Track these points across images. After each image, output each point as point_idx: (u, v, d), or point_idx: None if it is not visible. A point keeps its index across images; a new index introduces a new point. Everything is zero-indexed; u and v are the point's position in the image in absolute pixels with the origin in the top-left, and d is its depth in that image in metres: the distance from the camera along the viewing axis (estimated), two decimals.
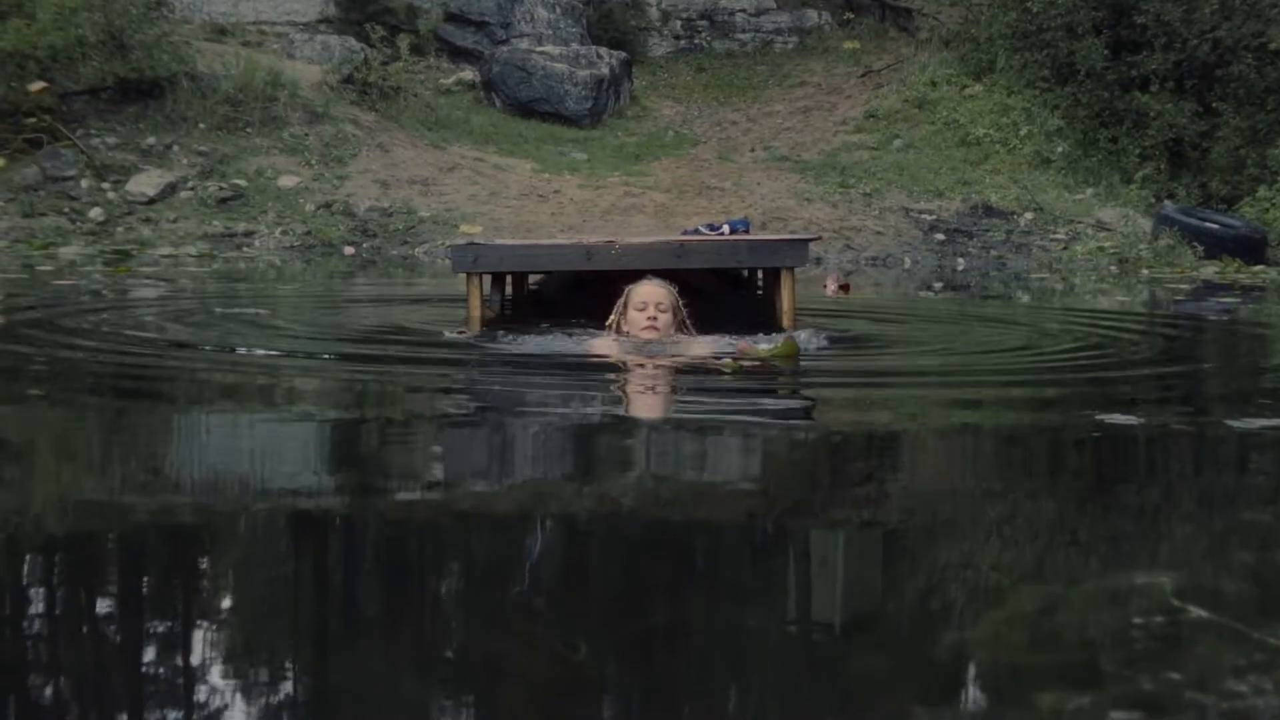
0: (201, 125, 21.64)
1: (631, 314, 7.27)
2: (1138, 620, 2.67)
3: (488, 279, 8.90)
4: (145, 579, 3.17)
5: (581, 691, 2.44)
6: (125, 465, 4.31)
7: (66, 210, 19.47)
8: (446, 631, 2.81)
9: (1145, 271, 18.51)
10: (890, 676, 2.51)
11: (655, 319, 7.19)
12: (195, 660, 2.55)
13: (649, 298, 7.26)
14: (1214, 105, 23.56)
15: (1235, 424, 5.04)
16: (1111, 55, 23.97)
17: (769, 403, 5.88)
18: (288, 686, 2.45)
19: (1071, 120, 24.12)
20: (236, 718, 2.28)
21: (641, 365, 6.76)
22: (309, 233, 19.77)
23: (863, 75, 27.76)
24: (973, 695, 2.41)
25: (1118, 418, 5.18)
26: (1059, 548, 3.45)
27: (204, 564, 3.27)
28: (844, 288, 13.94)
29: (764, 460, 4.56)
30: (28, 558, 3.23)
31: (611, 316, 7.43)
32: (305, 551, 3.44)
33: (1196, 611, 2.67)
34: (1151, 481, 4.28)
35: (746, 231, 13.57)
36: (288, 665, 2.57)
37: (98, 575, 3.15)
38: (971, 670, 2.52)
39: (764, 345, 6.88)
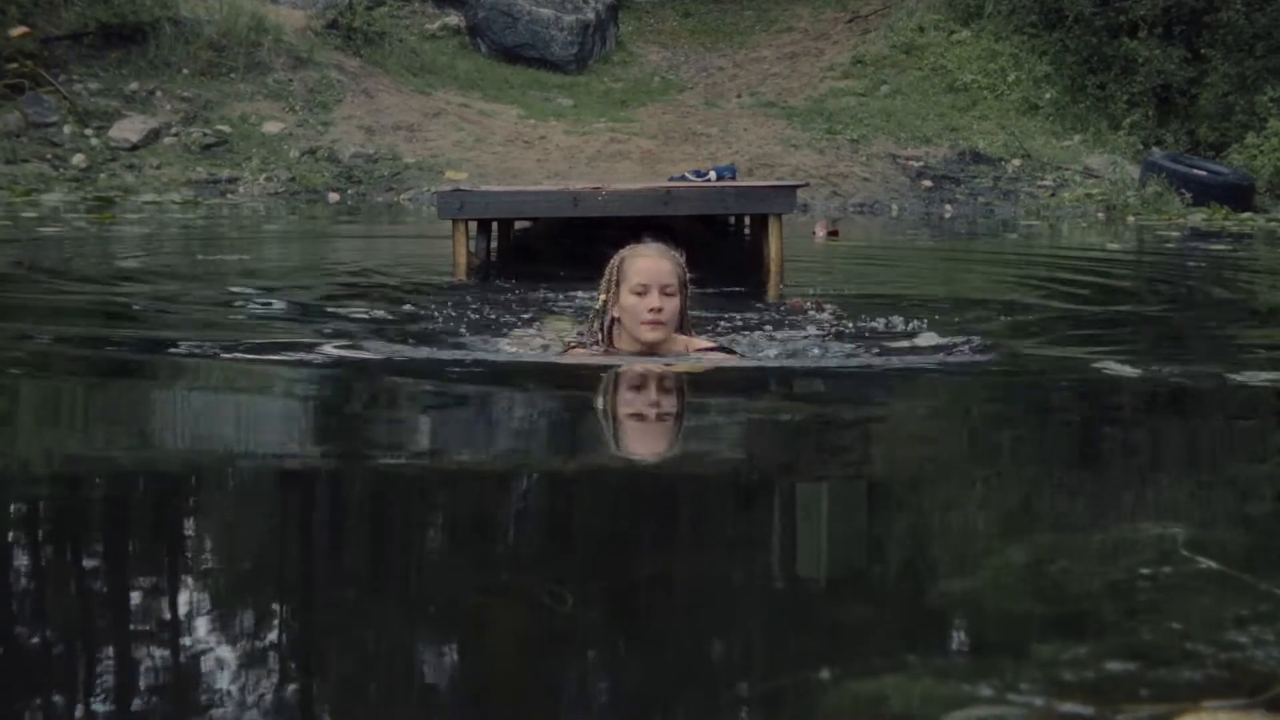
0: (185, 71, 21.47)
1: (628, 299, 5.03)
2: (1145, 571, 2.64)
3: (474, 226, 8.85)
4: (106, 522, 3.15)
5: (567, 643, 2.42)
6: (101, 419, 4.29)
7: (49, 157, 19.33)
8: (434, 586, 2.79)
9: (1131, 219, 18.47)
10: (887, 626, 2.48)
11: (660, 310, 4.99)
12: (183, 608, 2.52)
13: (651, 277, 5.01)
14: (1203, 51, 23.47)
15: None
16: (1100, 0, 23.85)
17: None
18: (272, 639, 2.42)
19: (1059, 66, 24.03)
20: (221, 667, 2.25)
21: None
22: (293, 179, 19.67)
23: (850, 20, 27.60)
24: (970, 644, 2.39)
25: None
26: (1065, 498, 3.43)
27: (181, 513, 3.24)
28: (833, 233, 13.91)
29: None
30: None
31: (600, 295, 5.21)
32: (284, 510, 3.42)
33: (1205, 563, 2.65)
34: (1160, 434, 4.26)
35: (733, 178, 13.53)
36: (272, 620, 2.54)
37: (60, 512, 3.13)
38: (971, 619, 2.50)
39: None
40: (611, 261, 5.17)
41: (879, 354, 5.42)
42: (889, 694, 2.09)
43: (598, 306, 5.23)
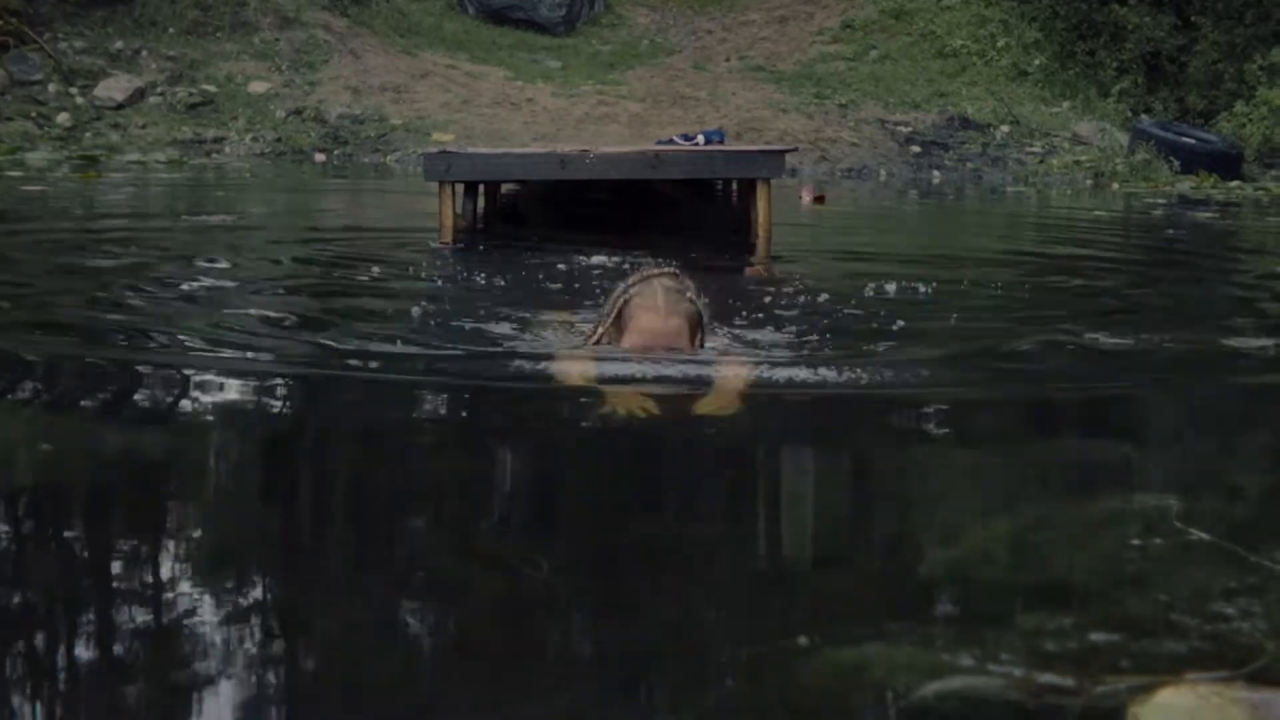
0: (170, 30, 21.34)
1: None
2: (1135, 542, 2.63)
3: (460, 188, 8.80)
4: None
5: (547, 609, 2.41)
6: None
7: (34, 115, 19.21)
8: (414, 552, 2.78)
9: (1116, 186, 18.45)
10: (871, 595, 2.47)
11: None
12: (166, 570, 2.51)
13: (656, 339, 4.24)
14: (1192, 19, 23.41)
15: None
16: None
17: None
18: (257, 606, 2.41)
19: (1049, 32, 23.96)
20: (208, 631, 2.23)
21: None
22: (279, 139, 19.57)
23: None
24: (954, 614, 2.38)
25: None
26: (1055, 468, 3.42)
27: (170, 468, 3.23)
28: (819, 199, 13.88)
29: None
30: None
31: (598, 327, 4.47)
32: (267, 486, 3.41)
33: (1196, 534, 2.64)
34: (1160, 405, 4.24)
35: (721, 142, 13.48)
36: (257, 586, 2.53)
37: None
38: (956, 589, 2.49)
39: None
40: (616, 293, 4.42)
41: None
42: (870, 662, 2.08)
43: (592, 336, 4.49)
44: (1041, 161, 20.62)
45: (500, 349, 4.73)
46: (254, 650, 2.17)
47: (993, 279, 7.44)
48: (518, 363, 4.47)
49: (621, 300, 4.36)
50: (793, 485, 3.28)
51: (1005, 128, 21.61)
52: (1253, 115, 21.35)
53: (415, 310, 5.51)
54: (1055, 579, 2.52)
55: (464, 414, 3.97)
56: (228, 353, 4.51)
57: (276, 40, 21.73)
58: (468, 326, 5.24)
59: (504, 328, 5.19)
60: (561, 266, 7.10)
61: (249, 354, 4.52)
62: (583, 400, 4.03)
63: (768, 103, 21.88)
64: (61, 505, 2.99)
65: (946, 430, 3.85)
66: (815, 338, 5.13)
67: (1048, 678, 1.99)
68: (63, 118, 19.21)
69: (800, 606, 2.40)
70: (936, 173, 20.13)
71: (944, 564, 2.62)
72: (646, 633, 2.31)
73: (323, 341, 4.79)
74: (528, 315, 5.40)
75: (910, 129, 21.48)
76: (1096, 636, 2.15)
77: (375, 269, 7.25)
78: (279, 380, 4.22)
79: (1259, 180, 19.28)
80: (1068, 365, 4.75)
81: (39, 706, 1.99)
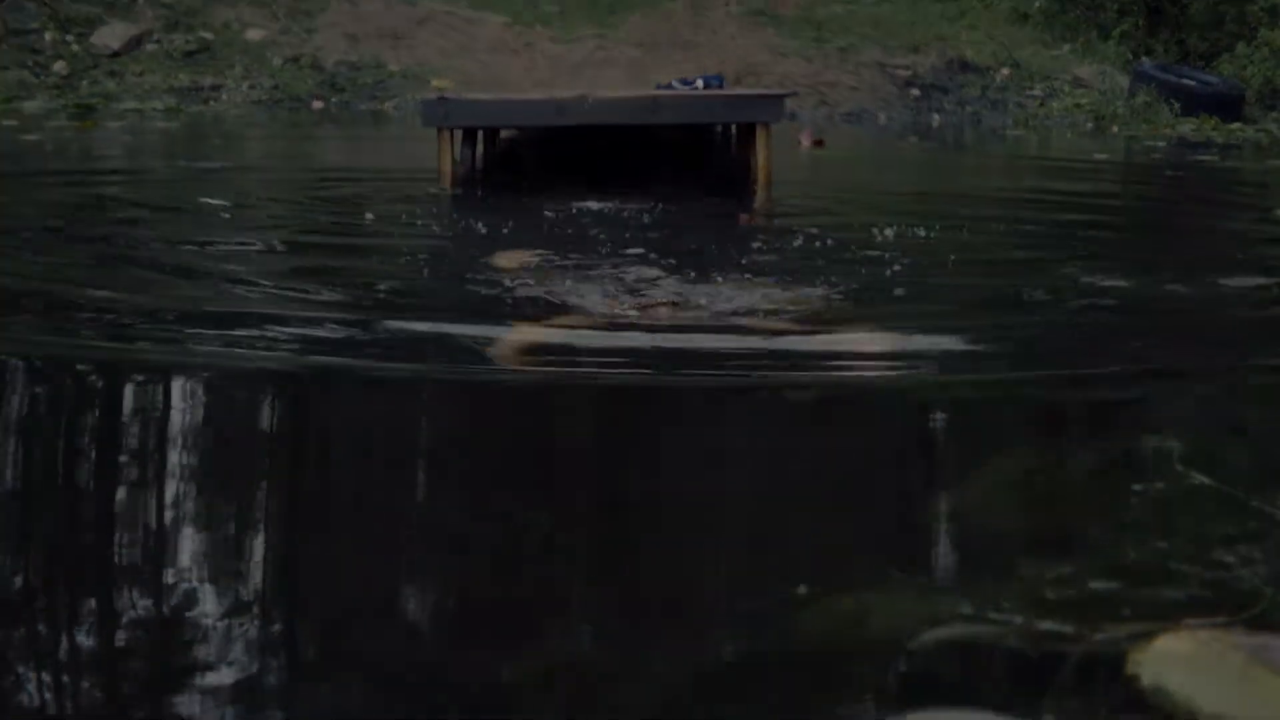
0: None
1: None
2: (1136, 487, 2.63)
3: (459, 134, 8.77)
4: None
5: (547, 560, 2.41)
6: None
7: (30, 64, 19.13)
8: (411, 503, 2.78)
9: (1115, 129, 18.39)
10: (874, 544, 2.47)
11: None
12: (153, 503, 2.50)
13: None
14: None
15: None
16: None
17: None
18: (251, 555, 2.40)
19: None
20: (203, 588, 2.23)
21: None
22: (276, 87, 19.50)
23: None
24: (954, 562, 2.38)
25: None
26: (1056, 412, 3.41)
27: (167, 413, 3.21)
28: (818, 143, 13.84)
29: None
30: None
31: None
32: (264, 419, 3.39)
33: (1199, 478, 2.63)
34: (1160, 347, 4.22)
35: (720, 87, 13.45)
36: (251, 535, 2.52)
37: None
38: (957, 537, 2.48)
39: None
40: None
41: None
42: (869, 611, 2.08)
43: None
44: (1042, 105, 20.55)
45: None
46: (249, 608, 2.17)
47: (992, 221, 7.42)
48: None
49: None
50: (789, 438, 3.27)
51: (1005, 71, 21.52)
52: (1254, 57, 21.26)
53: (405, 263, 5.49)
54: (1055, 526, 2.51)
55: (450, 398, 3.95)
56: (212, 309, 4.45)
57: None
58: (460, 291, 5.11)
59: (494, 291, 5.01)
60: (559, 213, 7.06)
61: (231, 311, 4.46)
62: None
63: (767, 47, 21.78)
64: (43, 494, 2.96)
65: (944, 379, 3.83)
66: (816, 290, 5.10)
67: (1047, 625, 1.99)
68: (59, 66, 19.14)
69: (799, 556, 2.40)
70: (936, 116, 20.07)
71: (943, 512, 2.61)
72: (643, 585, 2.31)
73: (313, 311, 4.72)
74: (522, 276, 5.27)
75: (910, 72, 21.39)
76: (1096, 584, 2.15)
77: (370, 216, 7.23)
78: (262, 354, 4.18)
79: (1260, 122, 19.22)
80: (1065, 308, 4.74)
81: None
